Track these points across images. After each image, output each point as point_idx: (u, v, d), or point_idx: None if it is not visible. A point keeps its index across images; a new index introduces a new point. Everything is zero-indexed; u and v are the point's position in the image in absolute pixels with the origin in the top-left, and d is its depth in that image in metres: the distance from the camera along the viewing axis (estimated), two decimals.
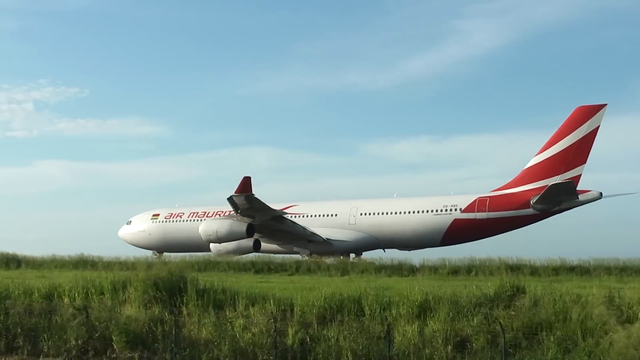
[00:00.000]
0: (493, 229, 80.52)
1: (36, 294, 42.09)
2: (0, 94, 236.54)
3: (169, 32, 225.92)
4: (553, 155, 78.24)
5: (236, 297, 37.32)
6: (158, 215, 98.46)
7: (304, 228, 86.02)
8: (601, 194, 77.35)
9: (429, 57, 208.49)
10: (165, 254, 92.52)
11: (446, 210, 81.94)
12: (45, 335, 38.26)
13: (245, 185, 79.67)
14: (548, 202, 77.08)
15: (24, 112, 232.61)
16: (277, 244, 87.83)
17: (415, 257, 69.26)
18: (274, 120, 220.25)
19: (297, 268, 61.93)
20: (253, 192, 79.78)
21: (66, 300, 41.03)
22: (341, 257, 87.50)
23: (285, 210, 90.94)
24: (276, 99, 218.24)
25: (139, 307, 37.82)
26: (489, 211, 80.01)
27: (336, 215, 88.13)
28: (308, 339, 33.98)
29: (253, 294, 37.74)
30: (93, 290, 40.86)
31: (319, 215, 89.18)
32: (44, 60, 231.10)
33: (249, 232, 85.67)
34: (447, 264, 59.42)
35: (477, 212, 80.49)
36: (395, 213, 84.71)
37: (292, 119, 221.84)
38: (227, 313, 36.01)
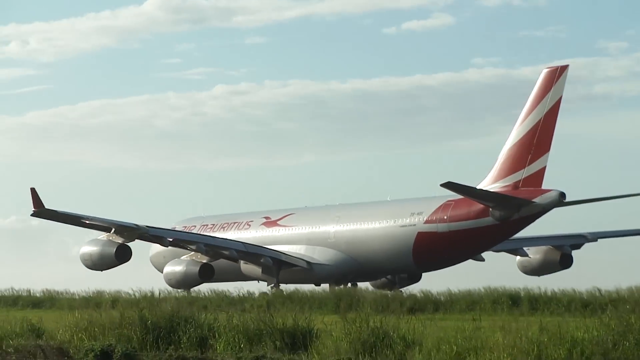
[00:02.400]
0: (459, 248, 65.36)
1: None
2: None
3: None
4: (521, 138, 62.46)
5: None
6: (200, 224, 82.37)
7: (241, 248, 71.59)
8: (562, 194, 60.91)
9: None
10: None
11: (412, 219, 67.92)
12: None
13: (34, 198, 65.45)
14: (503, 208, 61.56)
15: None
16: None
17: None
18: None
19: None
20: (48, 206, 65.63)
21: None
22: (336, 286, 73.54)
23: (277, 222, 78.76)
24: None
25: None
26: (450, 221, 64.39)
27: (319, 227, 74.89)
28: None
29: None
30: None
31: (307, 228, 76.18)
32: None
33: (120, 255, 69.46)
34: None
35: (439, 222, 65.21)
36: (370, 224, 70.51)
37: None
38: None
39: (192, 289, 74.11)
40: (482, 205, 62.63)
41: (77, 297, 62.52)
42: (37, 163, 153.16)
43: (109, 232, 70.07)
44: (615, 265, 77.15)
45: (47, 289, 67.95)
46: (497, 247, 70.38)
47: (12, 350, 32.49)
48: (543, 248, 71.63)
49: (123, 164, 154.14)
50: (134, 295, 53.27)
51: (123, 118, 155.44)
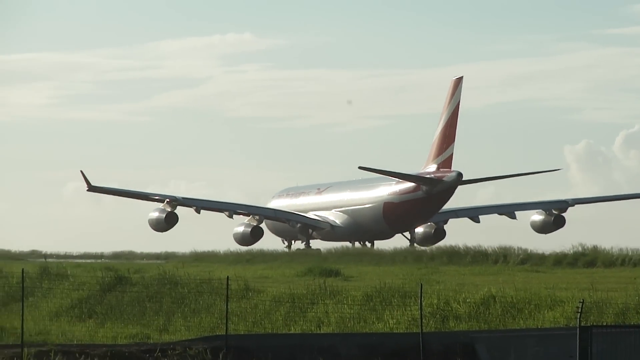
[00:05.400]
0: (407, 214, 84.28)
1: None
2: None
3: None
4: (441, 130, 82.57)
5: None
6: (286, 193, 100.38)
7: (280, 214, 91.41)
8: (460, 174, 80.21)
9: None
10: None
11: (381, 192, 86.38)
12: None
13: (85, 180, 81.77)
14: (425, 185, 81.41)
15: None
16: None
17: None
18: None
19: None
20: (95, 184, 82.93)
21: None
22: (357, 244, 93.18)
23: (321, 192, 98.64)
24: None
25: None
26: (400, 194, 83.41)
27: (340, 197, 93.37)
28: None
29: None
30: None
31: (334, 198, 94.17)
32: None
33: (169, 220, 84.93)
34: None
35: (393, 194, 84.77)
36: (361, 196, 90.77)
37: None
38: None
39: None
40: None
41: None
42: None
43: (163, 203, 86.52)
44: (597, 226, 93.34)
45: None
46: (493, 210, 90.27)
47: None
48: (539, 211, 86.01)
49: None
50: None
51: None
